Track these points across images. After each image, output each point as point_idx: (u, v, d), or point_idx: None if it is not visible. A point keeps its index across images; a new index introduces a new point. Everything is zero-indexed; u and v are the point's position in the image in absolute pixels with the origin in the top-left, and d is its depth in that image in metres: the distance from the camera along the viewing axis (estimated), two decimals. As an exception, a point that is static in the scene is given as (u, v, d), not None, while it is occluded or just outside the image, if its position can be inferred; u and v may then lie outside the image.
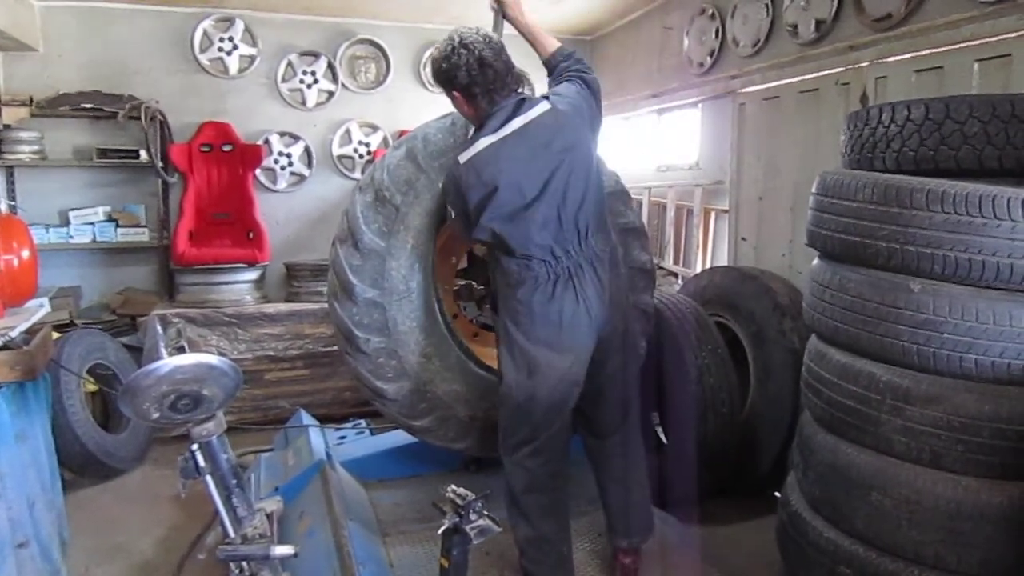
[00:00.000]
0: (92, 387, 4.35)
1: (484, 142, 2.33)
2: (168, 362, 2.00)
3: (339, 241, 2.94)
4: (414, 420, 2.99)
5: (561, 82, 2.53)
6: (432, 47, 6.03)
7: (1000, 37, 2.90)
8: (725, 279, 4.12)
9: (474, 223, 2.36)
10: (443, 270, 3.29)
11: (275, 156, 5.84)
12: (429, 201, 2.85)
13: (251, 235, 5.43)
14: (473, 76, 2.32)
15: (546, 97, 2.42)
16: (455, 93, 2.40)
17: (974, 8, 3.00)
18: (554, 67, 2.62)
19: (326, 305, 3.66)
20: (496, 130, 2.33)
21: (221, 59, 5.62)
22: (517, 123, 2.34)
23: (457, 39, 2.33)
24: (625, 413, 2.67)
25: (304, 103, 5.87)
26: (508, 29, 2.74)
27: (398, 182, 2.83)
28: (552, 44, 2.65)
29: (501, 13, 2.74)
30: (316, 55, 5.83)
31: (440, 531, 2.28)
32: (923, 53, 3.23)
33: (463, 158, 2.34)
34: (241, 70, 5.68)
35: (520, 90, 2.45)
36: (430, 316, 2.91)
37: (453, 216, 2.53)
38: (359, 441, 3.98)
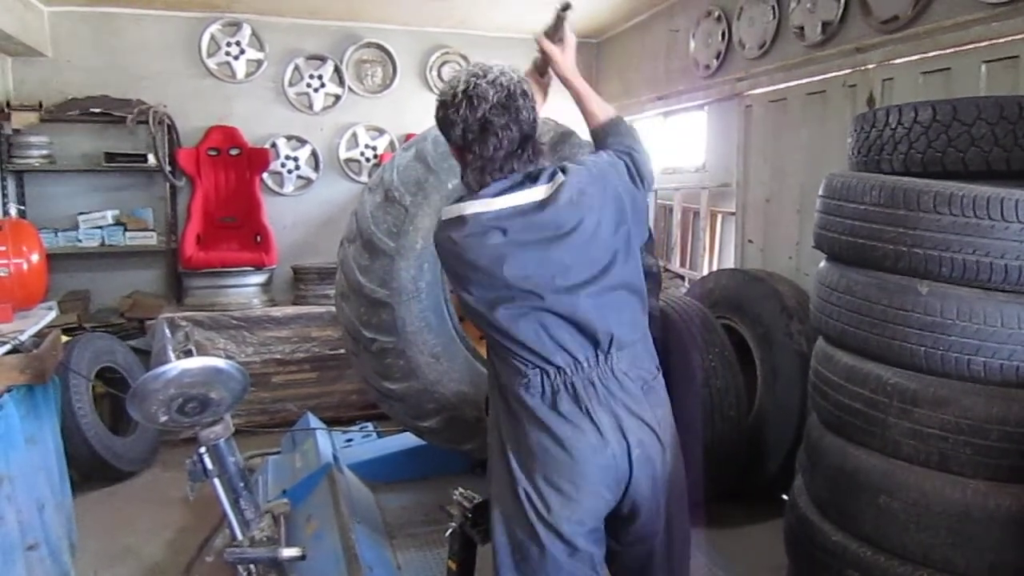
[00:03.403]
0: (101, 390, 4.36)
1: (472, 206, 1.77)
2: (176, 365, 2.00)
3: (348, 241, 2.95)
4: (421, 421, 2.99)
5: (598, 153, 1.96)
6: (438, 51, 6.07)
7: (1008, 39, 2.89)
8: (732, 281, 4.11)
9: (454, 284, 1.86)
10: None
11: (282, 160, 5.85)
12: (439, 202, 2.85)
13: (258, 239, 5.45)
14: (468, 140, 1.75)
15: (562, 169, 1.81)
16: (450, 145, 1.87)
17: (981, 10, 2.99)
18: (602, 139, 2.04)
19: (333, 308, 3.66)
20: (491, 196, 1.77)
21: (228, 63, 5.64)
22: (519, 198, 1.76)
23: (463, 84, 1.74)
24: None
25: (311, 107, 5.89)
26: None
27: (408, 183, 2.83)
28: (604, 112, 2.06)
29: (543, 67, 2.14)
30: (323, 59, 5.84)
31: (447, 534, 2.29)
32: (930, 55, 3.22)
33: (444, 215, 1.83)
34: (248, 74, 5.70)
35: (533, 169, 1.82)
36: (439, 316, 2.90)
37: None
38: (366, 444, 3.99)
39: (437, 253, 1.87)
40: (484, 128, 1.73)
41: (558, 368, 1.78)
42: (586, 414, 1.77)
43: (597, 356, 1.79)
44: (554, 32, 2.09)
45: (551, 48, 2.06)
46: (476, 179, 1.80)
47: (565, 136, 3.14)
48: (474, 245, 1.75)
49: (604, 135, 2.03)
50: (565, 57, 2.07)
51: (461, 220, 1.76)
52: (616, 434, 1.78)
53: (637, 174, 1.91)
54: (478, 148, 1.75)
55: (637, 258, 1.88)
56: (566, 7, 2.05)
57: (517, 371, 1.81)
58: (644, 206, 1.95)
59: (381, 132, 6.07)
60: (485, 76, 1.74)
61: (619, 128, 2.03)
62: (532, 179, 1.79)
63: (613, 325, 1.79)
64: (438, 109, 1.81)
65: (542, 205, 1.75)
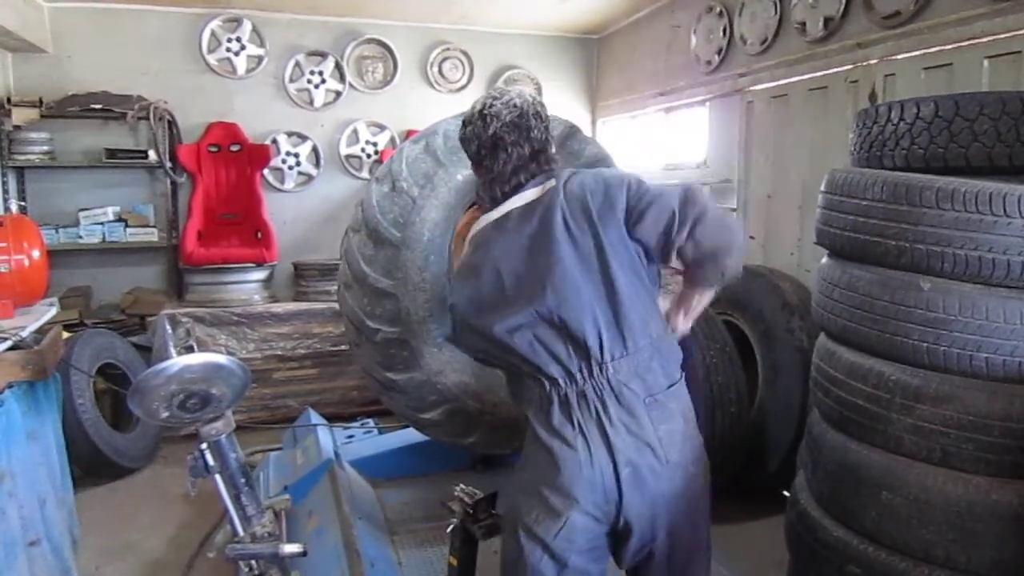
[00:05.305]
0: (102, 386, 4.37)
1: (479, 222, 1.92)
2: (177, 361, 2.00)
3: (352, 231, 2.94)
4: (423, 413, 2.98)
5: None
6: (439, 47, 6.06)
7: (1010, 34, 2.89)
8: (733, 277, 4.10)
9: (454, 320, 1.93)
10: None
11: (283, 156, 5.86)
12: (447, 195, 2.84)
13: (259, 235, 5.45)
14: (482, 156, 1.87)
15: (554, 177, 1.87)
16: (471, 162, 1.97)
17: (984, 5, 2.98)
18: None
19: (334, 304, 3.65)
20: (490, 208, 1.90)
21: (229, 59, 5.64)
22: (513, 203, 1.85)
23: (480, 104, 1.87)
24: None
25: (311, 103, 5.88)
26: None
27: (416, 174, 2.83)
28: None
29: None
30: (323, 55, 5.84)
31: (448, 530, 2.28)
32: (932, 50, 3.22)
33: (467, 241, 1.95)
34: (249, 70, 5.70)
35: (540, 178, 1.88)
36: (443, 306, 2.90)
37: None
38: (367, 440, 3.99)
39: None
40: (495, 145, 1.84)
41: (552, 380, 1.76)
42: (577, 428, 1.73)
43: (591, 367, 1.74)
44: None
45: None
46: (488, 193, 1.89)
47: (572, 131, 3.15)
48: (479, 257, 1.84)
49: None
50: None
51: (472, 237, 1.90)
52: (603, 452, 1.72)
53: (635, 204, 1.77)
54: (489, 162, 1.86)
55: (636, 261, 1.78)
56: None
57: (521, 383, 1.85)
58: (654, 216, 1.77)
59: (382, 128, 6.07)
60: (500, 98, 1.87)
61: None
62: (528, 184, 1.86)
63: (609, 332, 1.74)
64: (460, 129, 1.94)
65: (531, 208, 1.82)
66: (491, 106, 1.85)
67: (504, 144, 1.83)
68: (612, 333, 1.74)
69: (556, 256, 1.75)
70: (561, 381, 1.76)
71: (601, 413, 1.73)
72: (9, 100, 4.95)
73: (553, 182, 1.83)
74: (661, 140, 5.77)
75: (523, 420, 1.88)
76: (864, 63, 3.57)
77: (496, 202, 1.88)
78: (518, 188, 1.86)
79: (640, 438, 1.73)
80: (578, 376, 1.75)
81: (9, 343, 2.81)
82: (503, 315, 1.77)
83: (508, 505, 1.88)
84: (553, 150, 1.92)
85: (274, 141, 5.80)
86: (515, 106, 1.85)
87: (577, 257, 1.75)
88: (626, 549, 1.82)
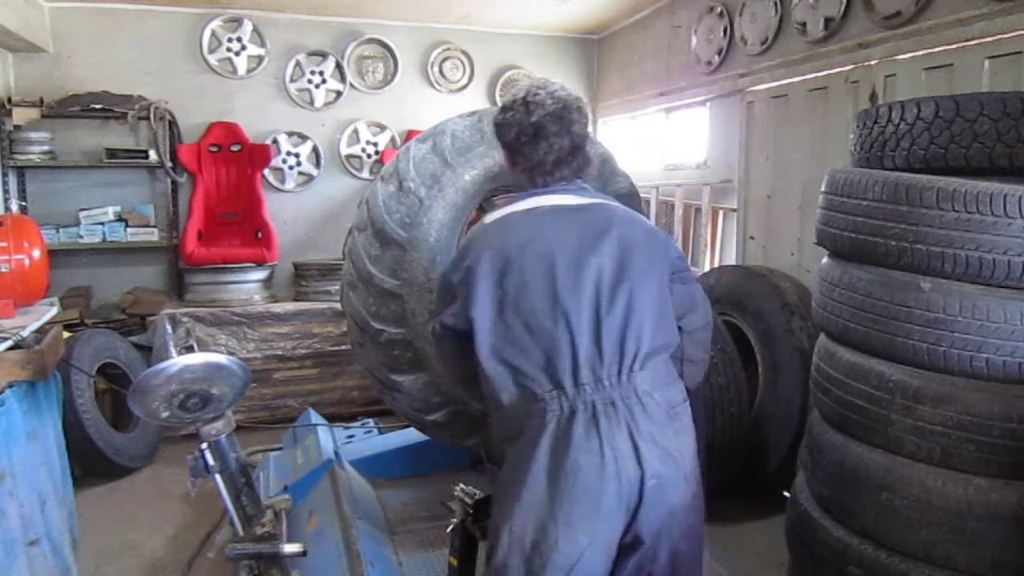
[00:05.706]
0: (102, 386, 4.37)
1: (520, 205, 1.87)
2: (177, 361, 2.01)
3: (357, 230, 2.92)
4: (427, 414, 2.97)
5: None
6: (440, 47, 6.06)
7: (1011, 34, 2.88)
8: (733, 278, 4.11)
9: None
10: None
11: (283, 156, 5.85)
12: (454, 195, 2.83)
13: (259, 235, 5.45)
14: (521, 143, 1.87)
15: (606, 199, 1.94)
16: (504, 149, 1.98)
17: (984, 5, 2.98)
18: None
19: (334, 304, 3.64)
20: (540, 194, 1.88)
21: (229, 59, 5.64)
22: (569, 200, 1.86)
23: (524, 92, 1.88)
24: None
25: (312, 103, 5.88)
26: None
27: (424, 175, 2.81)
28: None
29: None
30: (324, 55, 5.84)
31: (448, 530, 2.29)
32: (933, 51, 3.21)
33: (487, 219, 1.91)
34: (249, 70, 5.69)
35: (583, 182, 1.94)
36: None
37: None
38: (367, 440, 3.99)
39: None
40: (537, 133, 1.85)
41: (579, 386, 1.69)
42: (603, 439, 1.66)
43: (620, 374, 1.70)
44: None
45: None
46: (527, 180, 1.91)
47: (607, 159, 3.14)
48: (525, 237, 1.78)
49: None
50: None
51: (503, 218, 1.86)
52: (632, 463, 1.66)
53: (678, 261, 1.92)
54: (528, 150, 1.87)
55: (663, 290, 1.84)
56: None
57: (532, 396, 1.71)
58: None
59: (382, 128, 6.07)
60: (545, 88, 1.89)
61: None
62: (584, 191, 1.90)
63: (645, 340, 1.73)
64: (498, 114, 1.94)
65: (593, 210, 1.84)
66: (535, 95, 1.86)
67: (546, 133, 1.85)
68: (650, 340, 1.75)
69: (623, 255, 1.77)
70: (588, 387, 1.69)
71: (630, 422, 1.68)
72: (10, 100, 4.96)
73: (599, 200, 1.89)
74: (661, 140, 5.77)
75: (514, 430, 1.76)
76: (865, 63, 3.57)
77: (535, 188, 1.89)
78: (560, 182, 1.89)
79: (664, 447, 1.70)
80: (606, 382, 1.69)
81: (9, 343, 2.82)
82: (545, 302, 1.72)
83: (508, 521, 1.72)
84: (588, 148, 1.96)
85: (274, 141, 5.80)
86: (559, 98, 1.87)
87: (644, 265, 1.78)
88: (622, 568, 1.75)
